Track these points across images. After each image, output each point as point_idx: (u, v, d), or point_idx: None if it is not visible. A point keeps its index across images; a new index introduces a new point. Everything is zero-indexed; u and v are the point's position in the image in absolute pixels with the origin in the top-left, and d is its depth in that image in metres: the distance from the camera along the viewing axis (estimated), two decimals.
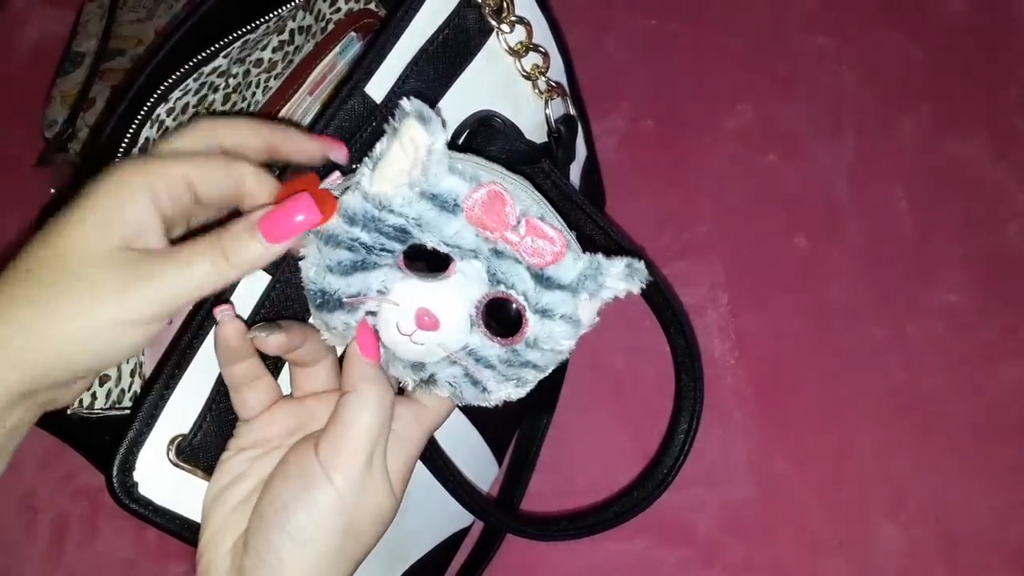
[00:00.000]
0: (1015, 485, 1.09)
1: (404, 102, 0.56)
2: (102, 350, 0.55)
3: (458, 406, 0.86)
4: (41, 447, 1.19)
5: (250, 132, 0.61)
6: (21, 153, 1.09)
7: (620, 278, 0.64)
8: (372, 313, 0.61)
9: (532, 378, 0.66)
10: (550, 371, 0.66)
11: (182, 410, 0.64)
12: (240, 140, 0.61)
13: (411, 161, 0.57)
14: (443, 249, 0.59)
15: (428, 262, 0.60)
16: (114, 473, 0.62)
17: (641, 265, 0.63)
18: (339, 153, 0.65)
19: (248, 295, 0.66)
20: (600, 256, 0.63)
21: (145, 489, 0.63)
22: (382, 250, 0.59)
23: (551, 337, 0.64)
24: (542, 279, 0.61)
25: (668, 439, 0.82)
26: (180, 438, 0.64)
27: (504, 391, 0.65)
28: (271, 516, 0.59)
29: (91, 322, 0.53)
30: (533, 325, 0.62)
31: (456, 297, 0.60)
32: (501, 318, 0.62)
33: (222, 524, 0.62)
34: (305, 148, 0.63)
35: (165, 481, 0.64)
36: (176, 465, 0.64)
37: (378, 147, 0.58)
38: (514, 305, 0.62)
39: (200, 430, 0.65)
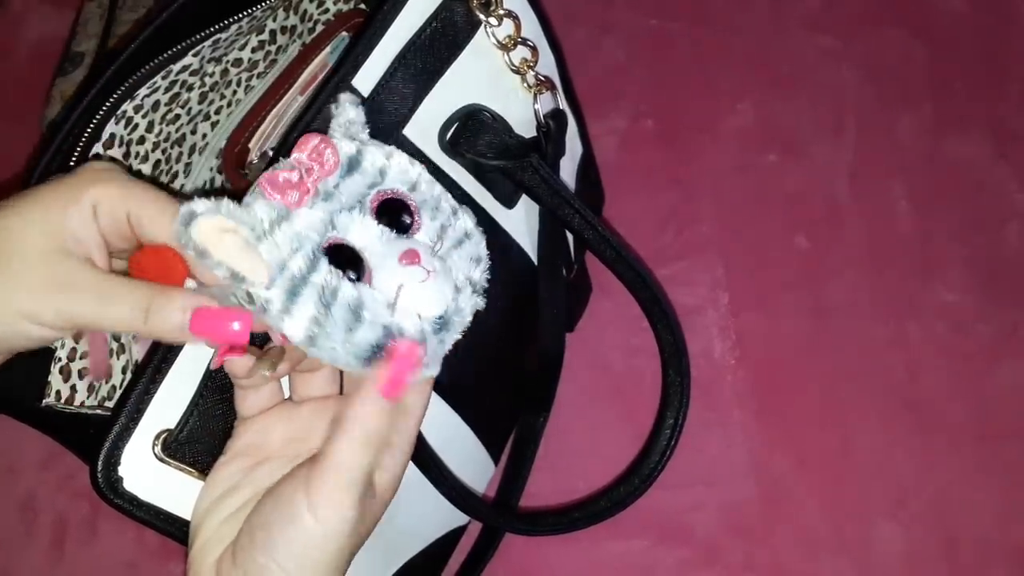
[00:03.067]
0: (1016, 484, 1.09)
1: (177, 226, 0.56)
2: (3, 334, 0.56)
3: (453, 407, 0.87)
4: (41, 448, 1.19)
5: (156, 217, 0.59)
6: (21, 153, 1.09)
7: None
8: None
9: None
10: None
11: (168, 405, 0.64)
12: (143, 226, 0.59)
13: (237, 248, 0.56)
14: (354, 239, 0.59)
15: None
16: (99, 467, 0.62)
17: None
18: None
19: None
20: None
21: (130, 484, 0.63)
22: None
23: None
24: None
25: (654, 434, 0.82)
26: (166, 433, 0.64)
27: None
28: (259, 538, 0.58)
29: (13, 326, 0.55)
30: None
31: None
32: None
33: (211, 535, 0.62)
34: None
35: (151, 476, 0.64)
36: (162, 460, 0.64)
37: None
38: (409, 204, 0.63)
39: (187, 425, 0.65)
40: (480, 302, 0.63)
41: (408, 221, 0.61)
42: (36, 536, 1.17)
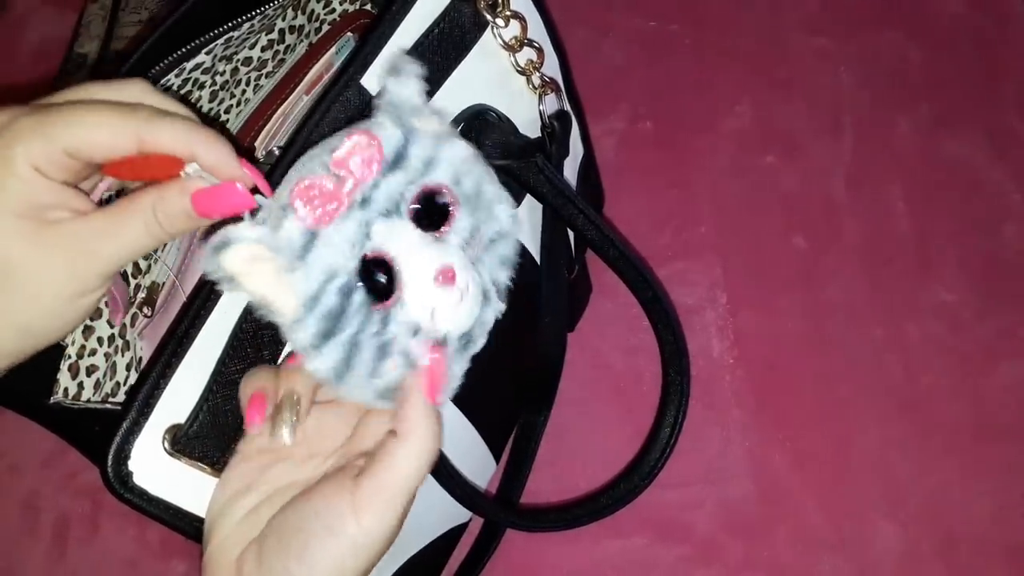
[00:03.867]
0: (1013, 484, 1.09)
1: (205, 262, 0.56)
2: (63, 324, 0.56)
3: (456, 404, 0.88)
4: (43, 447, 1.20)
5: (173, 136, 0.56)
6: None
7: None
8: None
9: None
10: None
11: (178, 399, 0.64)
12: (158, 141, 0.56)
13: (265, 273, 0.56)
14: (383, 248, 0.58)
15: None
16: (109, 462, 0.62)
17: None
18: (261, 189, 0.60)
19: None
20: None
21: (140, 479, 0.63)
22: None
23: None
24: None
25: (654, 432, 0.82)
26: (176, 428, 0.64)
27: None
28: (292, 543, 0.58)
29: (47, 307, 0.54)
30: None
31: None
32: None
33: (229, 533, 0.61)
34: (228, 170, 0.57)
35: (161, 471, 0.64)
36: (172, 455, 0.64)
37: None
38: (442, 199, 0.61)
39: (196, 420, 0.65)
40: (502, 307, 0.64)
41: (443, 217, 0.60)
42: (38, 534, 1.17)
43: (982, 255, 1.18)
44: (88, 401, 0.74)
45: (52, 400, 0.73)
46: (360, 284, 0.57)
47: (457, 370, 0.62)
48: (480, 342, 0.63)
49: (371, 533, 0.57)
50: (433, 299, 0.58)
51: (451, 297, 0.58)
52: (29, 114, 0.53)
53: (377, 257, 0.57)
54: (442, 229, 0.60)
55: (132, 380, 0.78)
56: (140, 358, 0.79)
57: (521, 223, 0.84)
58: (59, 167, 0.53)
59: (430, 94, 0.71)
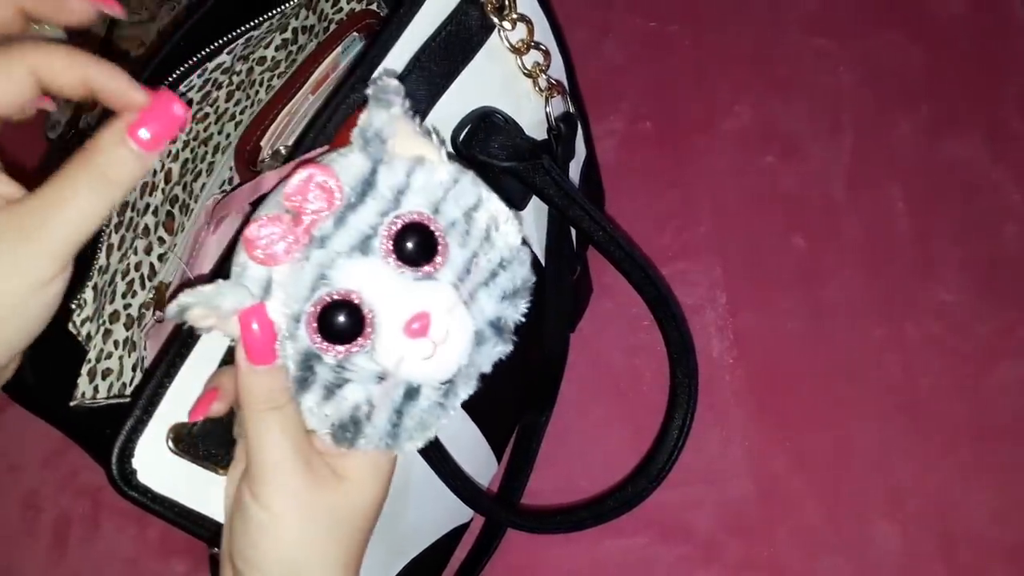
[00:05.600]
0: (1013, 484, 1.09)
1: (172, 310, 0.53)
2: (29, 319, 0.52)
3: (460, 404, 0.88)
4: (43, 447, 1.20)
5: (66, 65, 0.52)
6: (24, 155, 1.09)
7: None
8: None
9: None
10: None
11: (182, 398, 0.64)
12: (54, 73, 0.52)
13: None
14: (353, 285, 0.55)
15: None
16: (113, 460, 0.62)
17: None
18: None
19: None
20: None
21: (144, 477, 0.63)
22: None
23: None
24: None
25: (662, 434, 0.82)
26: (180, 426, 0.64)
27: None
28: (234, 545, 0.58)
29: (9, 302, 0.50)
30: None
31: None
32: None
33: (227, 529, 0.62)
34: (129, 96, 0.53)
35: (165, 469, 0.64)
36: (175, 453, 0.64)
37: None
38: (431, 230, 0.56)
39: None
40: (505, 349, 0.60)
41: (427, 252, 0.55)
42: (38, 534, 1.17)
43: (982, 256, 1.18)
44: (95, 399, 0.75)
45: (72, 404, 0.73)
46: (313, 327, 0.54)
47: (436, 417, 0.58)
48: (466, 389, 0.59)
49: (282, 508, 0.56)
50: (400, 348, 0.54)
51: (421, 349, 0.54)
52: None
53: (335, 300, 0.54)
54: (430, 265, 0.55)
55: (136, 379, 0.79)
56: (143, 358, 0.79)
57: (527, 225, 0.85)
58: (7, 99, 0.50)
59: (436, 96, 0.71)
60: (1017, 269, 1.17)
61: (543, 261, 0.89)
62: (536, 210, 0.85)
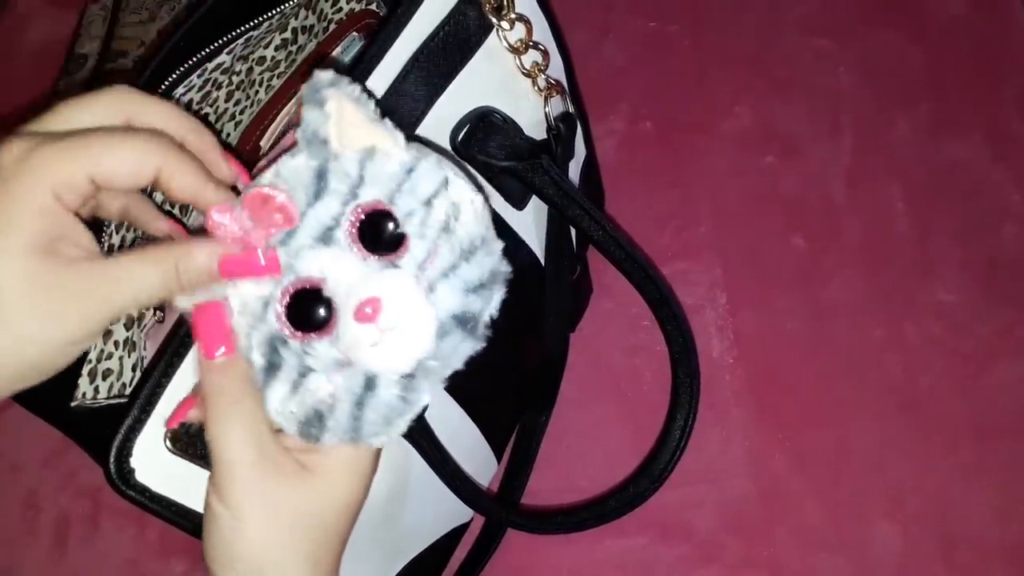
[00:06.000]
0: (1013, 484, 1.09)
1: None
2: (53, 367, 0.52)
3: (459, 403, 0.88)
4: (43, 447, 1.20)
5: (169, 122, 0.56)
6: None
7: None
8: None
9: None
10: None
11: (180, 398, 0.64)
12: (155, 124, 0.55)
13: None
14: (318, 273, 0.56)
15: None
16: (111, 459, 0.62)
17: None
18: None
19: None
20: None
21: (142, 476, 0.63)
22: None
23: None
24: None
25: (664, 435, 0.82)
26: (178, 425, 0.63)
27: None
28: (205, 547, 0.58)
29: (42, 351, 0.51)
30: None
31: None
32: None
33: None
34: (218, 167, 0.58)
35: (162, 468, 0.64)
36: (173, 453, 0.64)
37: None
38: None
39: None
40: (475, 345, 0.57)
41: (391, 239, 0.55)
42: (38, 534, 1.17)
43: (982, 256, 1.18)
44: (95, 400, 0.74)
45: (73, 404, 0.73)
46: (282, 315, 0.55)
47: (400, 413, 0.57)
48: (431, 385, 0.57)
49: (244, 508, 0.55)
50: (352, 334, 0.55)
51: (368, 335, 0.54)
52: (50, 142, 0.50)
53: (301, 288, 0.55)
54: (394, 253, 0.55)
55: (137, 379, 0.79)
56: (143, 357, 0.79)
57: (527, 224, 0.85)
58: (79, 196, 0.51)
59: (435, 97, 0.71)
60: (1017, 269, 1.16)
61: (543, 261, 0.89)
62: (536, 210, 0.86)
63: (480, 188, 0.58)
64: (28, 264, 0.49)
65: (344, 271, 0.55)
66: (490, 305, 0.57)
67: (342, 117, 0.55)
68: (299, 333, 0.55)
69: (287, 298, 0.55)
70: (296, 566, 0.57)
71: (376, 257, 0.55)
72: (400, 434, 0.57)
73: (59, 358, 0.52)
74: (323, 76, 0.55)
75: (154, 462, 0.64)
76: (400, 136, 0.57)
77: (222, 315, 0.56)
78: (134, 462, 0.63)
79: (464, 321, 0.56)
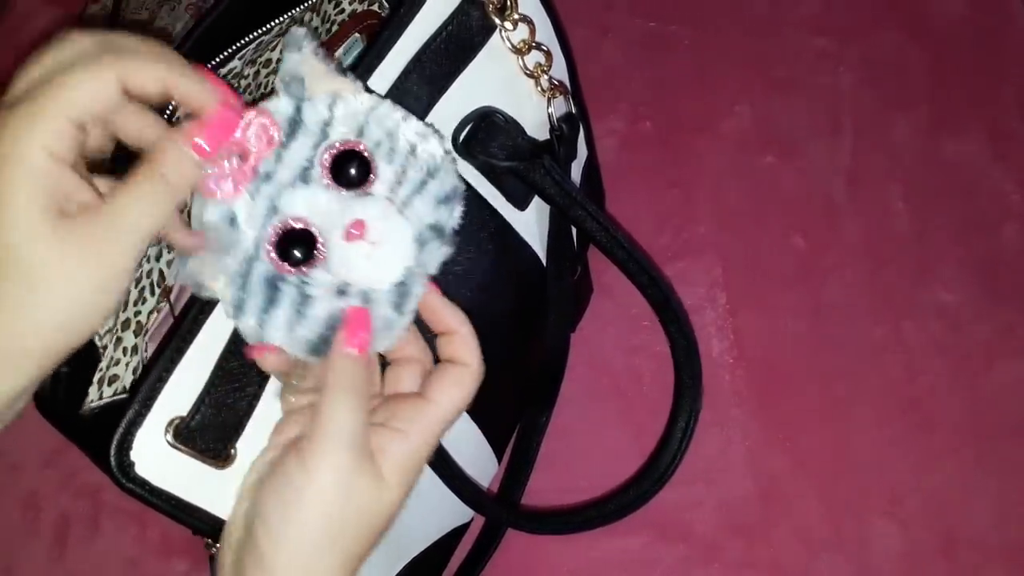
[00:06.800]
0: (1013, 483, 1.09)
1: None
2: (93, 318, 0.54)
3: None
4: (43, 447, 1.20)
5: (150, 70, 0.54)
6: None
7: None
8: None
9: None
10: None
11: (181, 393, 0.64)
12: (138, 78, 0.54)
13: None
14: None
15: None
16: (112, 452, 0.62)
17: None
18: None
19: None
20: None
21: (142, 469, 0.63)
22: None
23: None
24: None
25: (666, 436, 0.82)
26: (179, 420, 0.64)
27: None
28: (258, 510, 0.59)
29: (73, 303, 0.52)
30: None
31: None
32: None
33: (235, 517, 0.62)
34: (202, 102, 0.57)
35: (163, 462, 0.64)
36: (174, 447, 0.64)
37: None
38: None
39: (198, 413, 0.65)
40: (447, 251, 0.63)
41: (360, 174, 0.61)
42: (38, 533, 1.17)
43: (982, 255, 1.18)
44: (100, 401, 0.75)
45: (81, 411, 0.74)
46: (272, 253, 0.58)
47: (398, 319, 0.62)
48: (419, 288, 0.62)
49: (325, 480, 0.57)
50: (346, 255, 0.59)
51: (361, 250, 0.59)
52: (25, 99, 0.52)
53: (288, 226, 0.59)
54: (365, 184, 0.61)
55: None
56: (144, 358, 0.79)
57: (529, 225, 0.85)
58: (68, 146, 0.52)
59: (437, 96, 0.71)
60: (1017, 269, 1.17)
61: (544, 261, 0.89)
62: (538, 210, 0.85)
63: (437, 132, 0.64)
64: (44, 223, 0.51)
65: (325, 204, 0.59)
66: (453, 216, 0.64)
67: (312, 67, 0.60)
68: (293, 268, 0.59)
69: (276, 236, 0.59)
70: (335, 551, 0.59)
71: (348, 190, 0.60)
72: (398, 340, 0.63)
73: (101, 302, 0.53)
74: (299, 31, 0.60)
75: (155, 456, 0.64)
76: (360, 84, 0.62)
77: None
78: (135, 455, 0.63)
79: (438, 230, 0.63)
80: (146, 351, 0.79)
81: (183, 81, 0.55)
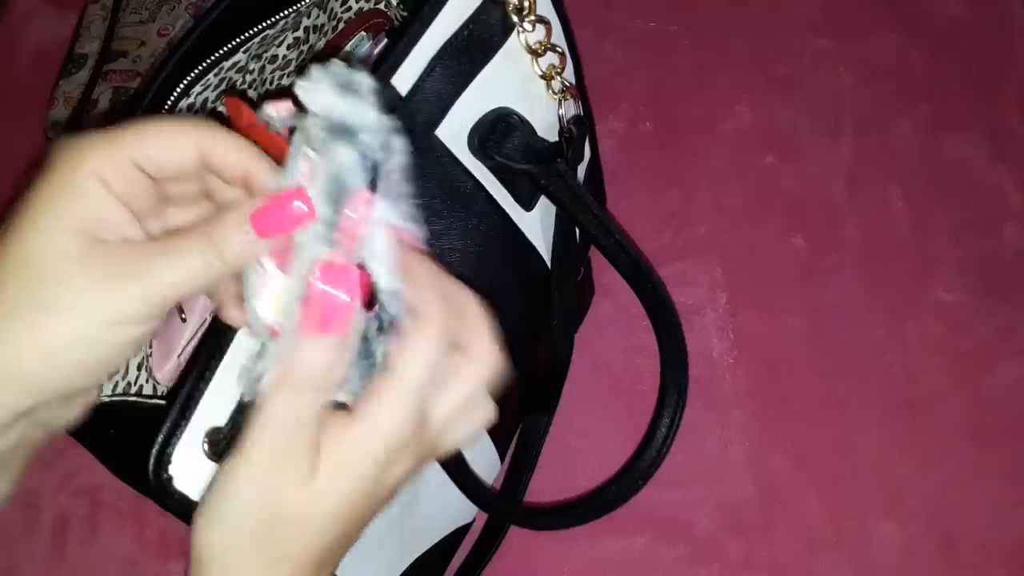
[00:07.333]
0: (1013, 483, 1.10)
1: None
2: (96, 356, 0.52)
3: None
4: (43, 446, 1.19)
5: (230, 152, 0.54)
6: (23, 154, 1.09)
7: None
8: None
9: None
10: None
11: (217, 402, 0.63)
12: (217, 155, 0.54)
13: None
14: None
15: None
16: (150, 467, 0.61)
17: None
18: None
19: None
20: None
21: (180, 484, 0.62)
22: None
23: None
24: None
25: (651, 431, 0.83)
26: (216, 431, 0.63)
27: None
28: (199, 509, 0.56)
29: (81, 328, 0.50)
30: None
31: None
32: None
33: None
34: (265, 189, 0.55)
35: (201, 475, 0.62)
36: (212, 459, 0.62)
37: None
38: None
39: (236, 422, 0.63)
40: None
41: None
42: (37, 533, 1.17)
43: (982, 255, 1.18)
44: (99, 397, 0.74)
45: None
46: None
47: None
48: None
49: (248, 474, 0.53)
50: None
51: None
52: (98, 135, 0.52)
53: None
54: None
55: (141, 379, 0.78)
56: (148, 355, 0.79)
57: (534, 226, 0.85)
58: (124, 181, 0.52)
59: (456, 96, 0.71)
60: (1017, 269, 1.17)
61: (548, 263, 0.90)
62: (542, 211, 0.85)
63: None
64: (71, 241, 0.50)
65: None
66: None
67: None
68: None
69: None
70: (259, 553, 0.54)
71: None
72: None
73: (105, 337, 0.51)
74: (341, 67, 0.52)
75: (192, 469, 0.62)
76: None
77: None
78: (172, 470, 0.61)
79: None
80: (149, 347, 0.78)
81: (263, 174, 0.54)
